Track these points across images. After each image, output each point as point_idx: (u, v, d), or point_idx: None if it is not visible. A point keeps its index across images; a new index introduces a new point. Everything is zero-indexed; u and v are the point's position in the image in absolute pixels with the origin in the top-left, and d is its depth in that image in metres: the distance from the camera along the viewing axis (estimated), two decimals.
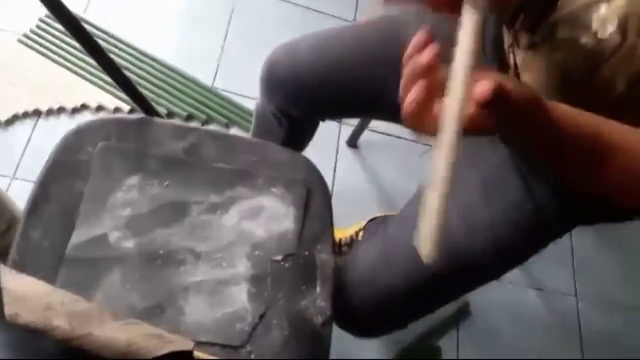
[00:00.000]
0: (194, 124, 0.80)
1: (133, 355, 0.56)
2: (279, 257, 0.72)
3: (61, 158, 0.71)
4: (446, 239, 0.73)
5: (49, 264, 0.65)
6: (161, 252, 0.69)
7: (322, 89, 0.84)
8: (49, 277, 0.63)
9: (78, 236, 0.67)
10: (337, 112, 0.91)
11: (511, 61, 0.65)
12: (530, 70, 0.62)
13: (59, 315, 0.57)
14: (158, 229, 0.70)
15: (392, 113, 0.84)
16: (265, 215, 0.74)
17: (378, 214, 1.29)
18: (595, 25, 0.52)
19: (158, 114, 0.86)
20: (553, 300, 1.45)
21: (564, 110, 0.49)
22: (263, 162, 0.78)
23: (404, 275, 0.74)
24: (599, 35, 0.52)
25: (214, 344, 0.65)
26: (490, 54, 0.70)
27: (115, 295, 0.65)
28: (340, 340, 1.20)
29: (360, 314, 0.79)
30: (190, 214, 0.72)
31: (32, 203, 0.68)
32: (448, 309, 1.35)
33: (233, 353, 0.65)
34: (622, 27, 0.50)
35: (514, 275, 1.44)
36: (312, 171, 0.80)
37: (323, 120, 1.01)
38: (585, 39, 0.53)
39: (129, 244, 0.69)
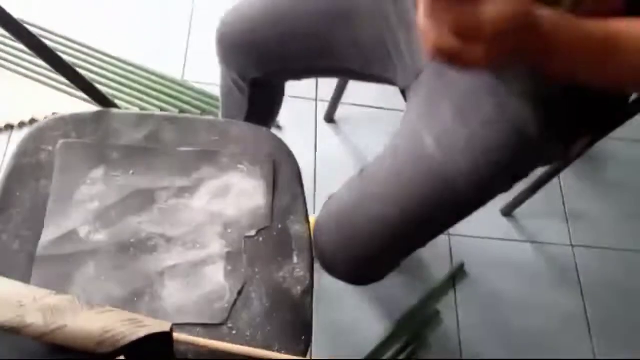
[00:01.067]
0: (150, 112, 0.79)
1: (109, 342, 0.56)
2: (253, 233, 0.72)
3: (22, 160, 0.71)
4: (424, 166, 0.73)
5: (20, 265, 0.65)
6: (133, 240, 0.69)
7: (275, 44, 0.83)
8: (22, 277, 0.63)
9: (48, 234, 0.67)
10: (290, 68, 0.90)
11: None
12: None
13: (32, 312, 0.57)
14: (128, 218, 0.70)
15: (341, 66, 0.84)
16: (234, 193, 0.74)
17: None
18: None
19: (115, 106, 0.86)
20: (549, 252, 1.45)
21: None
22: (226, 140, 0.77)
23: (392, 212, 0.74)
24: None
25: (194, 325, 0.65)
26: None
27: (91, 287, 0.65)
28: (337, 309, 1.22)
29: (349, 259, 0.79)
30: (158, 200, 0.72)
31: None
32: (443, 272, 1.35)
33: (215, 331, 0.65)
34: None
35: (507, 231, 1.45)
36: (277, 143, 0.79)
37: (282, 81, 1.00)
38: None
39: (100, 236, 0.69)
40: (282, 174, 0.78)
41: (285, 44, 0.83)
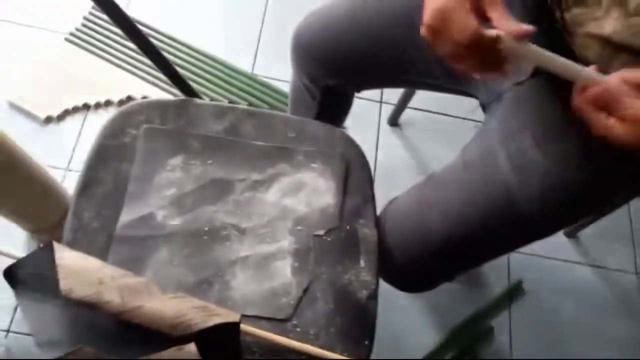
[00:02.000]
0: (232, 104, 0.80)
1: (182, 327, 0.58)
2: (322, 232, 0.72)
3: (106, 142, 0.74)
4: (494, 187, 0.71)
5: (99, 243, 0.67)
6: (206, 228, 0.70)
7: (356, 56, 0.82)
8: (100, 255, 0.66)
9: (126, 215, 0.69)
10: (369, 80, 0.88)
11: (557, 16, 0.61)
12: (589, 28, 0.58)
13: (111, 290, 0.59)
14: (203, 206, 0.71)
15: (423, 80, 0.83)
16: (306, 191, 0.75)
17: None
18: None
19: (198, 96, 0.87)
20: (611, 278, 1.39)
21: None
22: (301, 138, 0.78)
23: (452, 224, 0.73)
24: None
25: (260, 318, 0.66)
26: (529, 10, 0.67)
27: (164, 271, 0.67)
28: (392, 314, 1.21)
29: (403, 265, 0.78)
30: (233, 192, 0.73)
31: (81, 185, 0.71)
32: (501, 288, 1.32)
33: (279, 326, 0.66)
34: None
35: (569, 252, 1.39)
36: (350, 144, 0.79)
37: (357, 90, 0.99)
38: None
39: (175, 221, 0.70)
40: (354, 176, 0.77)
41: (367, 58, 0.81)
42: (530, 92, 0.70)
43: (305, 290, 0.68)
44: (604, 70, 0.53)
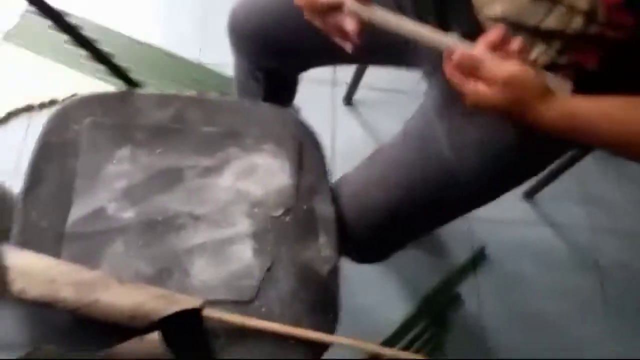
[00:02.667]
0: (174, 92, 0.79)
1: (141, 318, 0.57)
2: (279, 212, 0.72)
3: (49, 139, 0.71)
4: (432, 155, 0.72)
5: (49, 242, 0.66)
6: (160, 218, 0.69)
7: (288, 38, 0.81)
8: (52, 253, 0.64)
9: (77, 212, 0.68)
10: (308, 60, 0.88)
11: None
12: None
13: (64, 286, 0.57)
14: (155, 196, 0.70)
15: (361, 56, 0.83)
16: (260, 173, 0.74)
17: None
18: None
19: (138, 85, 0.86)
20: (569, 236, 1.44)
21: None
22: (250, 121, 0.77)
23: (395, 195, 0.74)
24: None
25: (223, 302, 0.66)
26: None
27: (120, 264, 0.66)
28: (359, 290, 1.22)
29: (356, 237, 0.79)
30: (185, 179, 0.72)
31: (26, 185, 0.69)
32: (463, 255, 1.35)
33: (245, 309, 0.66)
34: None
35: (528, 214, 1.43)
36: (300, 124, 0.79)
37: (300, 71, 0.98)
38: None
39: (128, 213, 0.69)
40: (307, 154, 0.77)
41: (301, 39, 0.80)
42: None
43: (268, 270, 0.68)
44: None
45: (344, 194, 0.80)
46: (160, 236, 0.68)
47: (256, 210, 0.72)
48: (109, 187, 0.70)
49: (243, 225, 0.71)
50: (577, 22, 0.56)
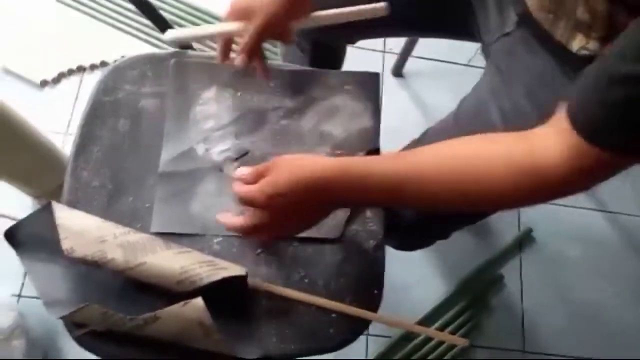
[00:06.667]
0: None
1: (187, 282, 0.57)
2: (362, 154, 0.71)
3: (101, 98, 0.71)
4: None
5: (100, 201, 0.66)
6: (248, 159, 0.69)
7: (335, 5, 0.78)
8: (102, 213, 0.64)
9: (167, 153, 0.69)
10: (358, 31, 0.86)
11: None
12: None
13: (113, 247, 0.58)
14: (241, 137, 0.71)
15: (407, 24, 0.79)
16: (342, 115, 0.74)
17: None
18: None
19: (192, 48, 0.85)
20: (619, 222, 1.38)
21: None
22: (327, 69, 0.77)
23: None
24: None
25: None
26: None
27: (211, 202, 0.67)
28: (402, 266, 1.21)
29: (402, 222, 0.77)
30: (269, 121, 0.72)
31: (78, 144, 0.69)
32: (510, 237, 1.31)
33: (287, 278, 0.65)
34: None
35: (576, 197, 1.37)
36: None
37: (349, 42, 0.96)
38: None
39: (217, 154, 0.69)
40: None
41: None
42: (517, 43, 0.69)
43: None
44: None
45: None
46: None
47: (338, 152, 0.71)
48: (197, 127, 0.70)
49: None
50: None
